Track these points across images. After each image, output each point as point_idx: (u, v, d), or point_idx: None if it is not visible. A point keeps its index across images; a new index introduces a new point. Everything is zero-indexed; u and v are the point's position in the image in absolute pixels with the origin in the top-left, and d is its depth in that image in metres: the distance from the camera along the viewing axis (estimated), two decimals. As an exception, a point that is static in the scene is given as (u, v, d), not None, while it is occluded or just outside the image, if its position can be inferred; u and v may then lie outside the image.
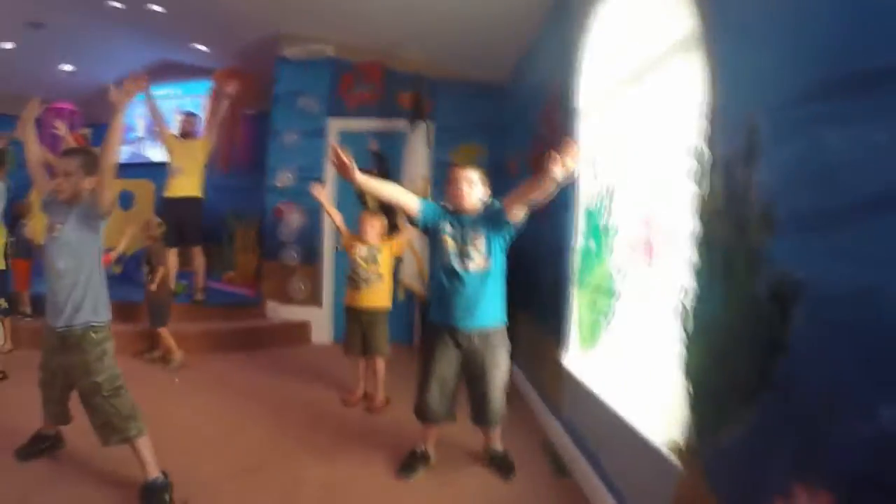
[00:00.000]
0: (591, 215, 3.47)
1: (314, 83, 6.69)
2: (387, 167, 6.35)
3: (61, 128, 5.42)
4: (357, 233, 4.36)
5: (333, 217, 4.44)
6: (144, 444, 2.77)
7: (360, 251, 4.28)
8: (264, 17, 6.49)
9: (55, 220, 2.79)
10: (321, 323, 6.61)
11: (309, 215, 6.63)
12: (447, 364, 3.00)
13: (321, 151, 6.59)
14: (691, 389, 2.06)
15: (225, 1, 6.19)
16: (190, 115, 6.54)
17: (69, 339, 2.71)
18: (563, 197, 3.58)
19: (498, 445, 3.31)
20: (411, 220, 3.07)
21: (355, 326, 4.26)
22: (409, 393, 3.41)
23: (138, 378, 3.87)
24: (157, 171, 8.04)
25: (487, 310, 2.95)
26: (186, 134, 6.30)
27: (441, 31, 5.78)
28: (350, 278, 4.32)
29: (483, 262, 2.91)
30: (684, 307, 2.14)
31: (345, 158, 2.65)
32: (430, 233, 3.04)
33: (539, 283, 4.37)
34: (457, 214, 3.00)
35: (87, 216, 2.76)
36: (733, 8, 1.91)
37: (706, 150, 2.03)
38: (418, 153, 6.07)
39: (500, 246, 2.95)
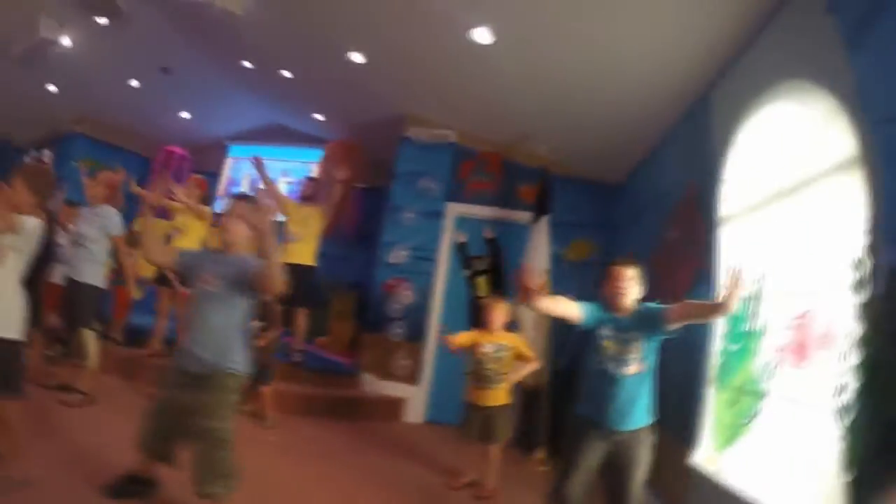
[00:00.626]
0: (734, 319, 3.59)
1: (435, 166, 7.13)
2: (501, 255, 6.70)
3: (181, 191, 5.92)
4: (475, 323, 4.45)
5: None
6: None
7: (486, 348, 4.32)
8: (393, 96, 7.09)
9: (211, 273, 2.93)
10: (416, 402, 6.69)
11: (419, 293, 6.85)
12: (592, 457, 3.06)
13: (437, 233, 7.00)
14: (852, 483, 2.20)
15: (357, 77, 6.76)
16: (311, 181, 6.81)
17: (205, 379, 2.81)
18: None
19: None
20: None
21: (477, 415, 4.35)
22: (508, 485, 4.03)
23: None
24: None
25: (640, 411, 3.06)
26: (307, 198, 6.49)
27: (564, 128, 6.24)
28: (475, 375, 4.39)
29: (639, 366, 3.03)
30: (844, 405, 2.32)
31: (531, 284, 2.91)
32: (588, 334, 3.19)
33: (666, 384, 4.36)
34: (613, 315, 3.12)
35: (244, 283, 2.91)
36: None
37: (868, 260, 2.32)
38: (540, 246, 6.17)
39: (653, 348, 3.07)
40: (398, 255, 7.05)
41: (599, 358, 3.10)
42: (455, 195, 7.19)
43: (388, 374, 6.73)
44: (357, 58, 6.28)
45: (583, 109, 5.66)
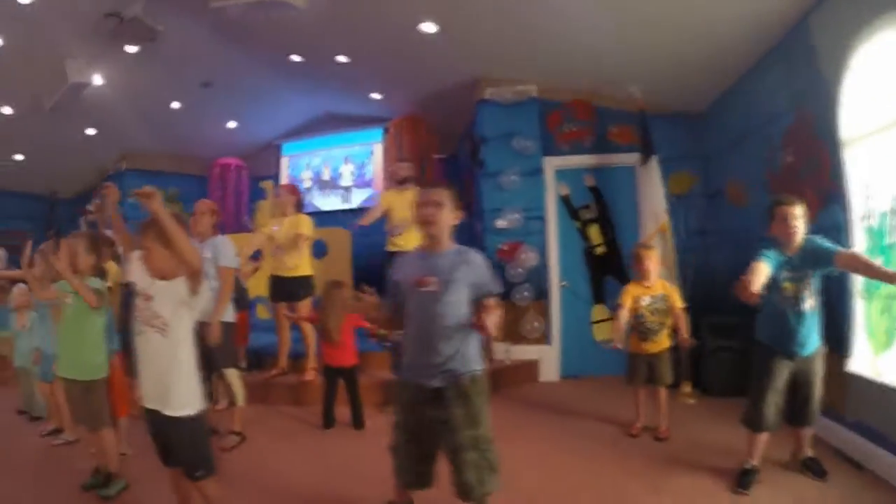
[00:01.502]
0: (874, 233, 3.73)
1: (522, 123, 6.77)
2: (605, 201, 6.66)
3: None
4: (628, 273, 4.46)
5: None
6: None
7: (645, 301, 4.35)
8: (466, 61, 6.68)
9: (436, 274, 2.66)
10: (550, 361, 6.64)
11: (537, 253, 6.63)
12: (781, 379, 3.38)
13: (540, 190, 6.74)
14: None
15: (426, 48, 6.38)
16: (403, 161, 6.65)
17: (450, 391, 2.63)
18: (832, 219, 4.04)
19: (809, 450, 3.61)
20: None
21: (642, 362, 4.46)
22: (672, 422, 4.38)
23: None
24: (328, 220, 8.63)
25: (816, 337, 3.38)
26: (403, 181, 6.21)
27: (647, 63, 5.91)
28: (636, 329, 4.42)
29: (813, 301, 3.31)
30: None
31: (751, 287, 2.98)
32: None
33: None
34: (787, 256, 3.26)
35: (479, 287, 2.70)
36: None
37: None
38: (653, 189, 5.98)
39: (820, 280, 3.32)
40: (507, 220, 6.73)
41: (779, 298, 3.33)
42: (549, 149, 6.85)
43: (519, 339, 6.60)
44: (429, 28, 5.87)
45: (666, 42, 5.40)
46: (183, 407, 2.50)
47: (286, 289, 5.51)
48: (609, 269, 6.77)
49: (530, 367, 6.55)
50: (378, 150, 9.37)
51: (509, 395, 5.82)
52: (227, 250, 4.42)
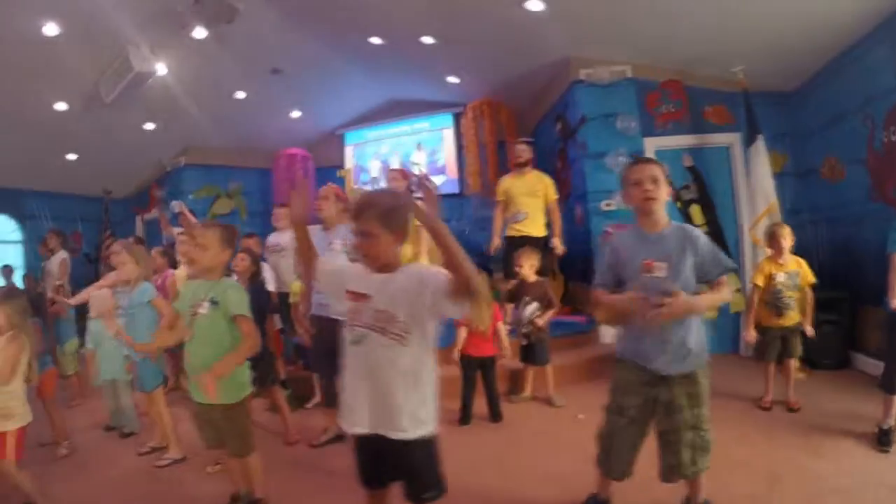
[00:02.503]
0: None
1: (621, 104, 6.60)
2: (704, 181, 6.55)
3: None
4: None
5: None
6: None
7: (780, 278, 4.41)
8: (561, 41, 6.46)
9: (663, 258, 2.54)
10: None
11: None
12: None
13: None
14: None
15: (524, 27, 6.16)
16: (525, 143, 6.24)
17: (677, 378, 2.55)
18: None
19: None
20: None
21: (774, 336, 4.49)
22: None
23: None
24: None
25: None
26: (523, 164, 6.02)
27: (739, 46, 5.80)
28: (772, 304, 4.44)
29: None
30: None
31: None
32: None
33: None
34: None
35: (706, 266, 2.59)
36: None
37: None
38: (761, 170, 5.94)
39: None
40: (615, 202, 6.50)
41: None
42: (647, 129, 6.68)
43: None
44: (535, 6, 5.62)
45: (765, 19, 5.24)
46: (415, 428, 2.08)
47: None
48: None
49: None
50: (449, 135, 9.11)
51: None
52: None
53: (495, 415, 4.61)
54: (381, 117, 9.47)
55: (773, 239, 4.51)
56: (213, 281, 2.84)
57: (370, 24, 6.61)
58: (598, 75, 6.57)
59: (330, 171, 9.58)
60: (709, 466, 2.64)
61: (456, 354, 4.58)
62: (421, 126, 9.34)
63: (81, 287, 5.77)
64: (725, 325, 6.36)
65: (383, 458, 2.15)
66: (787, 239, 4.45)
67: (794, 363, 4.55)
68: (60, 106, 7.28)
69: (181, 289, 3.19)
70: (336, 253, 3.81)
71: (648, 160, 2.73)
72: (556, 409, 4.81)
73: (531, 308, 4.98)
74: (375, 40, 6.92)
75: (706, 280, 2.54)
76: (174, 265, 5.41)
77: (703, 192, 6.58)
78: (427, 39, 6.71)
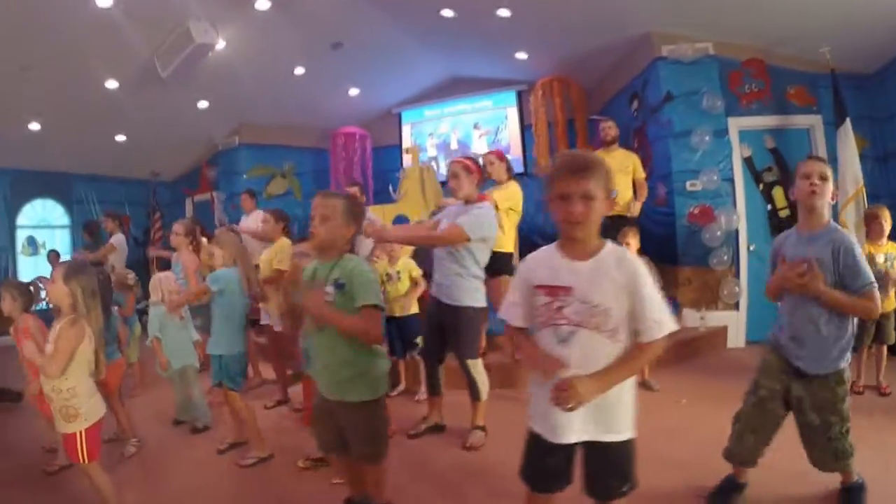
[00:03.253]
0: None
1: (704, 82, 6.42)
2: (786, 163, 6.37)
3: None
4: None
5: None
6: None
7: (879, 259, 4.40)
8: (641, 15, 6.32)
9: (810, 259, 2.58)
10: (737, 326, 6.38)
11: (726, 216, 6.25)
12: None
13: (728, 151, 6.45)
14: None
15: (598, 2, 6.10)
16: (606, 121, 6.17)
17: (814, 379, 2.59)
18: None
19: None
20: None
21: (870, 322, 4.27)
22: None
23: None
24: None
25: None
26: (610, 142, 5.97)
27: (821, 25, 5.66)
28: None
29: None
30: None
31: None
32: None
33: None
34: None
35: (843, 276, 2.59)
36: None
37: None
38: (848, 153, 5.76)
39: None
40: (701, 182, 6.36)
41: None
42: (731, 109, 6.50)
43: (711, 305, 6.37)
44: None
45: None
46: (626, 429, 1.93)
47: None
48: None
49: (719, 334, 6.30)
50: (513, 113, 8.84)
51: (704, 363, 5.68)
52: (490, 217, 3.76)
53: None
54: (439, 95, 9.22)
55: (873, 221, 4.55)
56: (334, 260, 2.45)
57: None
58: (680, 52, 6.42)
59: (387, 150, 9.44)
60: (849, 468, 2.67)
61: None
62: (483, 104, 9.07)
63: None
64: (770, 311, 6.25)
65: (589, 463, 1.98)
66: (888, 221, 4.50)
67: (885, 349, 4.58)
68: (111, 84, 7.02)
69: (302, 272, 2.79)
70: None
71: (820, 158, 2.75)
72: (653, 394, 4.73)
73: None
74: (447, 13, 6.64)
75: (847, 291, 2.52)
76: None
77: (785, 175, 6.41)
78: (503, 12, 6.43)
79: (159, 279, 4.43)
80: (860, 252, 2.54)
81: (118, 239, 7.14)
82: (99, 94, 7.10)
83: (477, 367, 3.80)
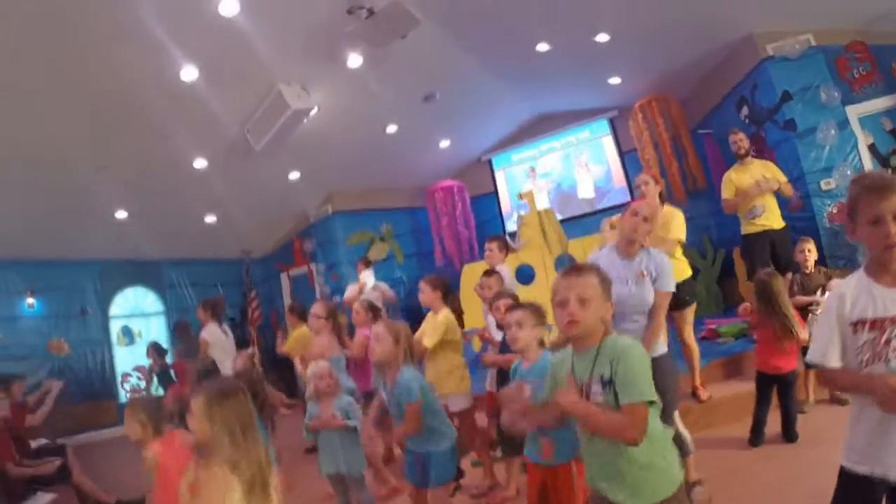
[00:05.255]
0: None
1: (814, 75, 6.37)
2: None
3: None
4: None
5: None
6: None
7: None
8: (736, 19, 6.28)
9: None
10: None
11: None
12: None
13: (853, 141, 6.30)
14: None
15: (694, 11, 6.01)
16: (736, 132, 5.68)
17: None
18: None
19: None
20: None
21: None
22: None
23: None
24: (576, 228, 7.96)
25: None
26: (744, 155, 5.51)
27: None
28: None
29: None
30: None
31: None
32: None
33: None
34: None
35: None
36: None
37: None
38: None
39: None
40: (834, 179, 6.19)
41: None
42: (845, 97, 6.39)
43: None
44: None
45: None
46: None
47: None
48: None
49: None
50: (608, 142, 8.79)
51: None
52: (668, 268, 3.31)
53: (789, 434, 4.17)
54: (528, 136, 9.19)
55: None
56: (594, 347, 1.96)
57: (539, 27, 6.28)
58: (787, 48, 6.37)
59: (481, 199, 9.37)
60: None
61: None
62: (578, 137, 9.00)
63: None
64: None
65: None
66: None
67: None
68: (200, 163, 6.92)
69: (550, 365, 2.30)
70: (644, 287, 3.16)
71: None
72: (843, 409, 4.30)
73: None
74: (542, 46, 6.60)
75: None
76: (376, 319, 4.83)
77: None
78: (602, 37, 6.41)
79: (315, 372, 3.91)
80: None
81: (210, 331, 6.42)
82: (188, 175, 7.00)
83: (679, 421, 3.41)
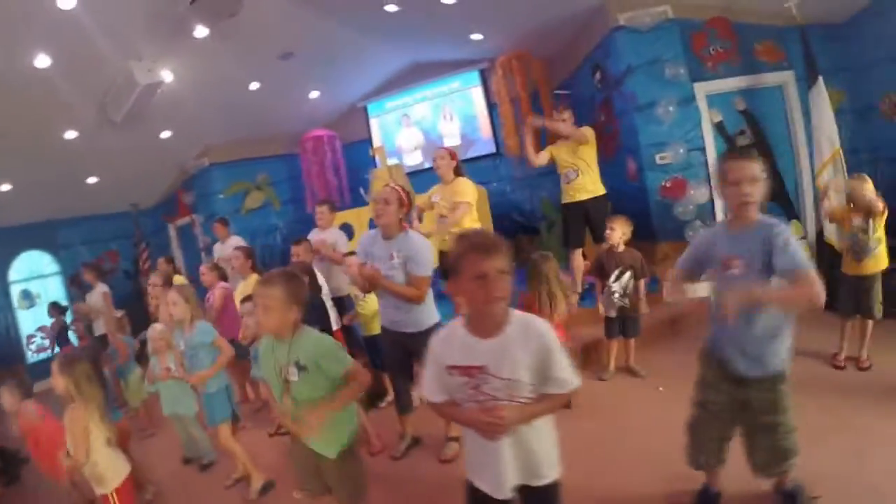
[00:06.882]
0: None
1: (666, 49, 6.32)
2: (759, 124, 6.32)
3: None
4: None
5: None
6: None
7: (857, 222, 4.31)
8: None
9: (742, 255, 2.57)
10: None
11: (699, 187, 6.30)
12: None
13: (696, 119, 6.37)
14: None
15: None
16: (566, 108, 5.65)
17: (756, 380, 2.62)
18: None
19: None
20: None
21: (850, 289, 4.36)
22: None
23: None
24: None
25: None
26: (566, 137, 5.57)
27: None
28: (851, 250, 4.36)
29: None
30: None
31: None
32: None
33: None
34: None
35: (782, 268, 2.45)
36: None
37: None
38: (823, 113, 5.56)
39: None
40: (669, 154, 6.29)
41: None
42: (696, 73, 6.41)
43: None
44: None
45: None
46: (551, 473, 2.13)
47: None
48: (773, 196, 6.28)
49: (704, 305, 6.25)
50: (478, 93, 8.83)
51: (693, 339, 5.38)
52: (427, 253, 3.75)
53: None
54: (403, 83, 9.15)
55: (853, 192, 4.42)
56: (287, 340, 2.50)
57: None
58: (638, 19, 6.30)
59: (357, 145, 9.40)
60: (791, 469, 2.66)
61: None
62: (450, 87, 9.01)
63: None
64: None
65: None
66: (870, 190, 4.32)
67: (870, 323, 4.37)
68: (70, 134, 7.07)
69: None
70: (396, 268, 3.58)
71: (748, 156, 2.49)
72: (637, 381, 4.76)
73: (626, 278, 4.78)
74: (391, 8, 6.55)
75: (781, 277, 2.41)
76: (224, 278, 5.50)
77: (760, 137, 6.39)
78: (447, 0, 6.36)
79: (152, 332, 4.50)
80: (790, 235, 2.39)
81: (102, 289, 6.83)
82: (62, 145, 7.16)
83: None
